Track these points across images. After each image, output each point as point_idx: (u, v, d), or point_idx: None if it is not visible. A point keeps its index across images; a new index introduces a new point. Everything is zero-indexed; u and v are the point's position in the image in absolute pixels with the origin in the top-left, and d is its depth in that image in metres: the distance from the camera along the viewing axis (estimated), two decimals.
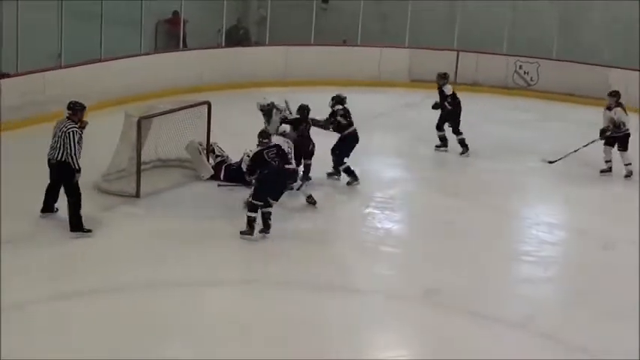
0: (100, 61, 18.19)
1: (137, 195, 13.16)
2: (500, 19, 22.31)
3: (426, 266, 11.73)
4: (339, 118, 14.42)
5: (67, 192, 11.74)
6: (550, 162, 16.09)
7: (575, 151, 15.88)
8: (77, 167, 11.61)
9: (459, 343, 9.76)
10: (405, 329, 10.32)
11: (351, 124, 14.53)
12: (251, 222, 12.00)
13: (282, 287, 10.82)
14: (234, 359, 9.03)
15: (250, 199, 12.15)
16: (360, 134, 15.67)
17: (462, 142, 16.50)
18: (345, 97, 14.65)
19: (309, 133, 14.21)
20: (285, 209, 13.19)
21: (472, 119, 19.07)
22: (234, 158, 14.18)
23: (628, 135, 15.49)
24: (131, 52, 19.01)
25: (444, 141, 16.65)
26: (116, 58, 18.41)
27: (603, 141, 15.62)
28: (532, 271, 12.12)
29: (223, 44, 21.37)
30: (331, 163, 14.56)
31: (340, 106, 14.51)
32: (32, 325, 9.40)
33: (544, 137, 16.54)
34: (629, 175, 15.54)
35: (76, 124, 11.69)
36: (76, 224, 11.69)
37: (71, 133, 11.54)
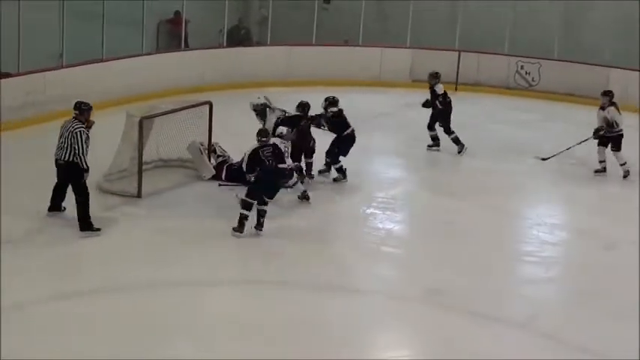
0: (101, 61, 18.19)
1: (139, 195, 13.16)
2: (501, 19, 22.30)
3: (427, 266, 11.72)
4: (334, 118, 14.41)
5: (75, 192, 11.78)
6: (543, 159, 16.14)
7: (567, 149, 15.95)
8: (86, 167, 11.66)
9: (460, 343, 9.75)
10: (406, 329, 10.31)
11: (348, 125, 14.53)
12: (242, 219, 12.05)
13: (283, 287, 10.81)
14: (234, 359, 9.02)
15: (244, 197, 12.18)
16: (361, 134, 15.67)
17: (456, 140, 16.50)
18: (338, 100, 14.62)
19: (309, 129, 14.24)
20: (286, 209, 13.23)
21: (473, 119, 19.13)
22: (235, 158, 14.17)
23: (621, 135, 15.49)
24: (133, 52, 19.02)
25: (436, 140, 16.66)
26: (118, 58, 18.42)
27: (597, 141, 15.61)
28: (533, 272, 12.11)
29: (225, 44, 21.38)
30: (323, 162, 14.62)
31: (335, 108, 14.50)
32: (32, 325, 9.40)
33: (545, 137, 16.53)
34: (626, 174, 15.55)
35: (83, 124, 11.74)
36: (86, 223, 11.75)
37: (78, 133, 11.58)
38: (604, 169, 15.65)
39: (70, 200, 11.99)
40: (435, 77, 16.47)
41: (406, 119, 18.46)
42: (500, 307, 10.67)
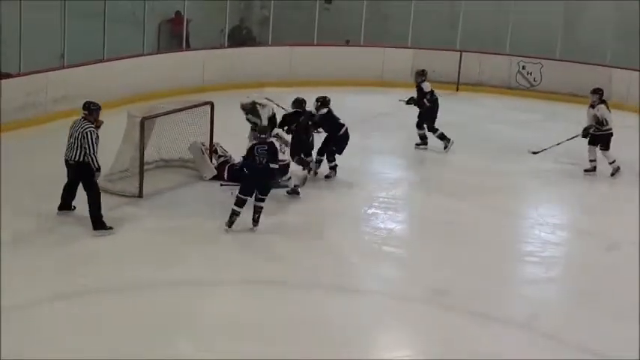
0: (102, 61, 18.20)
1: (140, 195, 13.17)
2: (503, 19, 22.29)
3: (428, 266, 11.72)
4: (326, 119, 14.46)
5: (87, 191, 11.85)
6: (534, 152, 16.14)
7: (558, 144, 15.97)
8: (97, 166, 11.74)
9: (461, 343, 9.76)
10: (408, 330, 10.30)
11: (342, 124, 14.56)
12: (231, 215, 12.20)
13: (283, 287, 10.81)
14: (234, 359, 9.02)
15: (238, 194, 12.28)
16: (362, 134, 15.79)
17: (442, 136, 16.51)
18: (330, 100, 14.65)
19: (308, 125, 14.27)
20: (287, 209, 13.26)
21: (475, 120, 19.15)
22: (237, 158, 14.17)
23: (610, 134, 15.51)
24: (134, 52, 19.03)
25: (424, 139, 16.68)
26: (119, 58, 18.43)
27: (587, 140, 15.60)
28: (534, 272, 12.12)
29: (226, 44, 21.38)
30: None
31: (325, 109, 14.51)
32: (32, 325, 9.40)
33: (547, 137, 16.49)
34: (614, 172, 15.57)
35: (92, 123, 11.79)
36: (99, 222, 11.81)
37: (88, 133, 11.64)
38: (594, 169, 15.67)
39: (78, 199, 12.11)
40: (421, 75, 16.50)
41: (407, 119, 18.37)
42: (500, 307, 10.68)
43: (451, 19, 22.61)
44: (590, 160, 15.64)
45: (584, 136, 15.60)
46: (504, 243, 12.89)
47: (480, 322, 10.25)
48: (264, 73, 20.41)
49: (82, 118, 11.85)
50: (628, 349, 9.75)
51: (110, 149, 13.51)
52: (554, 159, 16.18)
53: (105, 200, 12.40)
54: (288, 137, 14.03)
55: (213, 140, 14.49)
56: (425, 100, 16.35)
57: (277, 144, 12.64)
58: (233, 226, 12.22)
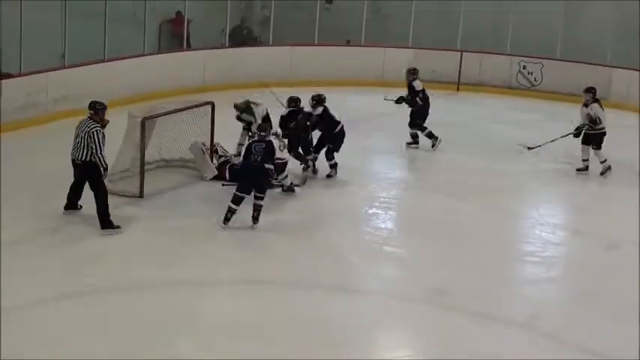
0: (103, 61, 18.21)
1: (141, 195, 13.17)
2: (503, 19, 22.29)
3: (429, 267, 11.72)
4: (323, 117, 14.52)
5: (94, 191, 11.90)
6: (529, 148, 16.13)
7: (552, 140, 15.98)
8: (105, 165, 11.81)
9: (461, 343, 9.76)
10: (408, 330, 10.31)
11: (338, 121, 14.59)
12: (227, 212, 12.29)
13: (283, 287, 10.81)
14: (234, 359, 9.03)
15: (235, 191, 12.38)
16: (363, 134, 15.79)
17: (430, 135, 16.54)
18: (325, 97, 14.67)
19: (306, 123, 14.29)
20: (287, 209, 13.26)
21: (475, 120, 19.14)
22: (237, 158, 14.20)
23: (603, 134, 15.51)
24: (135, 52, 19.03)
25: (415, 138, 16.67)
26: (120, 59, 18.43)
27: (581, 139, 15.62)
28: (534, 272, 12.12)
29: (227, 44, 21.39)
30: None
31: (321, 108, 14.53)
32: (32, 325, 9.40)
33: (548, 137, 16.48)
34: (605, 171, 15.58)
35: (98, 123, 11.83)
36: (106, 222, 11.86)
37: (95, 132, 11.69)
38: (586, 168, 15.69)
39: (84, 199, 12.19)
40: (412, 73, 16.50)
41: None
42: (500, 307, 10.69)
43: (452, 19, 22.56)
44: (583, 160, 15.66)
45: (576, 135, 15.63)
46: (505, 243, 12.89)
47: (480, 322, 10.25)
48: (265, 73, 20.39)
49: (88, 117, 11.91)
50: (628, 349, 9.75)
51: (111, 149, 13.45)
52: (554, 159, 16.18)
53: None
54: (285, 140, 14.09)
55: (214, 140, 14.49)
56: (417, 99, 16.35)
57: (276, 143, 12.69)
58: (230, 224, 12.28)
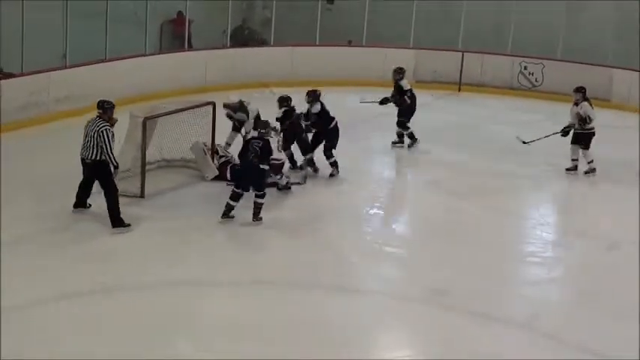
0: (105, 61, 18.23)
1: (141, 195, 13.18)
2: (504, 19, 22.30)
3: (428, 267, 11.72)
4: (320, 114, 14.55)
5: (104, 189, 12.00)
6: (524, 142, 16.13)
7: (546, 136, 15.98)
8: (115, 164, 11.89)
9: (461, 343, 9.75)
10: (408, 330, 10.30)
11: (332, 117, 14.62)
12: (226, 208, 12.39)
13: (283, 287, 10.81)
14: (234, 359, 9.04)
15: (233, 188, 12.52)
16: (364, 134, 15.78)
17: (411, 135, 16.56)
18: (321, 93, 14.72)
19: (299, 122, 14.31)
20: (288, 209, 13.26)
21: (476, 120, 19.14)
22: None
23: (592, 134, 15.54)
24: (136, 52, 19.05)
25: (401, 137, 16.69)
26: (121, 59, 18.46)
27: (571, 138, 15.67)
28: (535, 272, 12.14)
29: (228, 45, 21.40)
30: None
31: (319, 105, 14.55)
32: (32, 325, 9.40)
33: (550, 138, 16.46)
34: (589, 172, 15.60)
35: (107, 122, 11.88)
36: (117, 220, 11.93)
37: (104, 131, 11.75)
38: (575, 167, 15.71)
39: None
40: (399, 73, 16.52)
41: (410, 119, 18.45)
42: (500, 307, 10.68)
43: (453, 20, 22.56)
44: (572, 159, 15.68)
45: (564, 134, 15.66)
46: (505, 243, 12.89)
47: (480, 322, 10.24)
48: (266, 73, 20.43)
49: (97, 116, 11.97)
50: (628, 349, 9.74)
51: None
52: (555, 160, 16.17)
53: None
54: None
55: (215, 141, 14.50)
56: (406, 97, 16.36)
57: (275, 140, 12.74)
58: (231, 222, 12.37)
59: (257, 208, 12.46)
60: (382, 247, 12.37)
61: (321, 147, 14.68)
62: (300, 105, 14.72)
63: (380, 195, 14.34)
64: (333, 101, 15.26)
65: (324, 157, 14.69)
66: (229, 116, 14.62)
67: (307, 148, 14.51)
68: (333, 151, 14.63)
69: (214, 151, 14.41)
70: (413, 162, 16.43)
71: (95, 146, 11.76)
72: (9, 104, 15.75)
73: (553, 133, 15.90)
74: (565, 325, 10.29)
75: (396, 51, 22.07)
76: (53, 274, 10.62)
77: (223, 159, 14.39)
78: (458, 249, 12.27)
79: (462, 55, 22.13)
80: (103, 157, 11.77)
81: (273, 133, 13.08)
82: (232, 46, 21.47)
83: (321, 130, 14.57)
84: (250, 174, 12.43)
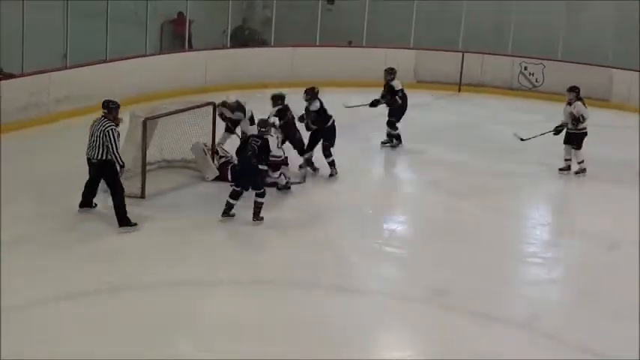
0: (105, 61, 18.23)
1: (142, 196, 13.18)
2: (504, 19, 22.30)
3: (429, 267, 11.72)
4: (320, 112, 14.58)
5: (110, 189, 12.05)
6: (522, 139, 16.14)
7: (542, 134, 15.93)
8: (122, 163, 11.94)
9: (461, 343, 9.76)
10: (408, 330, 10.31)
11: (330, 115, 14.65)
12: (226, 206, 12.46)
13: (283, 287, 10.82)
14: (234, 359, 9.04)
15: (233, 186, 12.59)
16: (364, 134, 15.79)
17: (397, 136, 16.56)
18: (319, 90, 14.76)
19: (294, 121, 14.33)
20: (287, 208, 13.28)
21: (476, 120, 19.14)
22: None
23: (584, 134, 15.54)
24: (136, 52, 19.06)
25: (390, 137, 16.67)
26: (122, 59, 18.46)
27: (563, 137, 15.67)
28: (535, 272, 12.14)
29: (228, 45, 21.41)
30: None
31: (317, 102, 14.57)
32: (32, 325, 9.41)
33: (549, 138, 16.47)
34: (580, 172, 15.61)
35: (112, 122, 11.91)
36: (124, 219, 11.99)
37: (110, 131, 11.79)
38: (568, 167, 15.71)
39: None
40: (390, 73, 16.54)
41: (410, 120, 18.43)
42: (501, 307, 10.69)
43: (454, 20, 22.55)
44: (565, 159, 15.68)
45: (556, 133, 15.68)
46: (505, 243, 12.89)
47: (480, 322, 10.25)
48: (267, 73, 20.44)
49: (102, 116, 11.99)
50: (628, 349, 9.75)
51: None
52: (556, 160, 16.17)
53: (107, 200, 12.47)
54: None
55: (216, 141, 14.51)
56: (397, 98, 16.37)
57: (275, 136, 12.79)
58: (231, 222, 12.43)
59: (257, 208, 12.48)
60: (382, 247, 12.38)
61: (319, 146, 14.68)
62: (301, 105, 14.71)
63: (380, 195, 14.35)
64: (334, 102, 15.27)
65: (323, 157, 14.69)
66: (222, 116, 14.56)
67: (302, 148, 14.50)
68: (332, 149, 14.64)
69: (214, 152, 14.42)
70: (413, 162, 16.42)
71: (101, 146, 11.80)
72: (9, 105, 15.75)
73: (546, 132, 15.88)
74: (565, 325, 10.30)
75: (396, 51, 22.06)
76: (53, 274, 10.62)
77: (223, 159, 14.39)
78: (458, 249, 12.27)
79: (462, 55, 22.14)
80: (109, 157, 11.82)
81: (273, 130, 13.11)
82: (233, 46, 21.48)
83: (321, 128, 14.58)
84: (248, 173, 12.47)
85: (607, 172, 15.77)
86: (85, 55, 17.78)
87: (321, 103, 14.59)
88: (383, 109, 16.67)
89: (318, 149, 14.68)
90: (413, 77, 21.97)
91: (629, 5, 21.39)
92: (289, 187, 13.81)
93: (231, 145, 14.52)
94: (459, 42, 22.32)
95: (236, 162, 13.46)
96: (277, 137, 13.30)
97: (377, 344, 9.98)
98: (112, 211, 12.14)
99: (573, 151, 15.59)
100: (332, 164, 14.65)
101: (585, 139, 15.55)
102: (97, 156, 11.84)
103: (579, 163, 15.62)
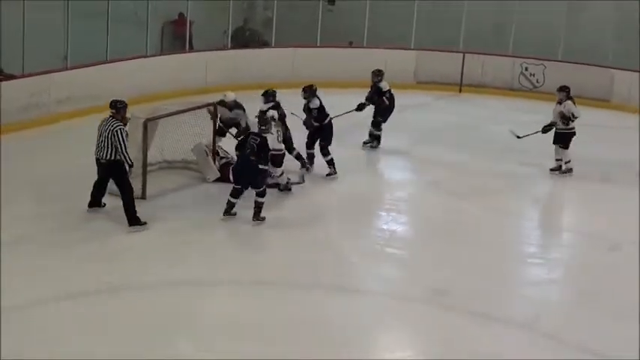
0: (106, 62, 18.23)
1: (143, 196, 13.18)
2: (505, 19, 22.30)
3: (430, 267, 11.73)
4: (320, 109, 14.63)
5: (120, 188, 12.10)
6: (518, 137, 16.13)
7: (536, 132, 15.89)
8: (131, 162, 12.01)
9: (462, 343, 9.77)
10: (409, 330, 10.32)
11: (327, 114, 14.71)
12: (227, 205, 12.52)
13: (283, 287, 10.83)
14: (234, 359, 9.05)
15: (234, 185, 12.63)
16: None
17: (378, 138, 16.53)
18: (317, 88, 14.81)
19: (284, 118, 14.34)
20: (287, 209, 13.29)
21: (477, 121, 19.14)
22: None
23: (573, 134, 15.54)
24: (137, 53, 19.06)
25: (372, 137, 16.63)
26: (122, 60, 18.46)
27: (553, 137, 15.67)
28: (536, 273, 12.15)
29: (229, 45, 21.42)
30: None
31: (317, 100, 14.61)
32: (32, 325, 9.43)
33: (549, 138, 16.47)
34: (566, 171, 15.61)
35: (120, 121, 11.96)
36: (134, 218, 12.04)
37: (118, 131, 11.84)
38: (559, 167, 15.72)
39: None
40: (378, 75, 16.52)
41: (411, 121, 18.47)
42: (501, 307, 10.69)
43: (454, 21, 22.53)
44: (556, 159, 15.69)
45: (544, 132, 15.69)
46: (505, 243, 12.90)
47: (480, 322, 10.26)
48: (267, 74, 20.39)
49: (110, 116, 12.03)
50: (628, 349, 9.76)
51: None
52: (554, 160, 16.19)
53: (107, 201, 12.50)
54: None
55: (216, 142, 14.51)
56: (385, 99, 16.36)
57: (275, 132, 12.81)
58: (232, 222, 12.46)
59: (257, 208, 12.49)
60: (382, 247, 12.38)
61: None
62: (301, 104, 14.75)
63: (380, 195, 14.33)
64: (335, 102, 15.28)
65: (321, 155, 14.71)
66: (215, 117, 14.54)
67: (291, 146, 14.47)
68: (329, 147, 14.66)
69: (215, 153, 14.42)
70: (414, 162, 16.41)
71: (110, 146, 11.84)
72: (10, 105, 15.74)
73: (538, 131, 15.88)
74: (565, 325, 10.31)
75: (397, 52, 22.06)
76: (53, 274, 10.63)
77: (224, 160, 14.39)
78: (458, 249, 12.27)
79: (463, 56, 22.12)
80: (118, 157, 11.87)
81: (273, 123, 13.11)
82: (233, 47, 21.48)
83: (322, 126, 14.59)
84: (247, 171, 12.47)
85: (607, 172, 15.79)
86: (86, 55, 17.78)
87: (320, 100, 14.61)
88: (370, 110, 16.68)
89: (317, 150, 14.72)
90: (413, 78, 21.99)
91: (629, 5, 21.38)
92: (290, 189, 13.81)
93: (231, 146, 14.55)
94: (459, 42, 22.30)
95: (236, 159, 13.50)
96: (277, 131, 13.30)
97: (377, 344, 9.99)
98: (115, 212, 12.19)
99: (560, 150, 15.58)
100: (330, 163, 14.65)
101: (574, 139, 15.56)
102: (106, 156, 11.88)
103: (566, 162, 15.63)
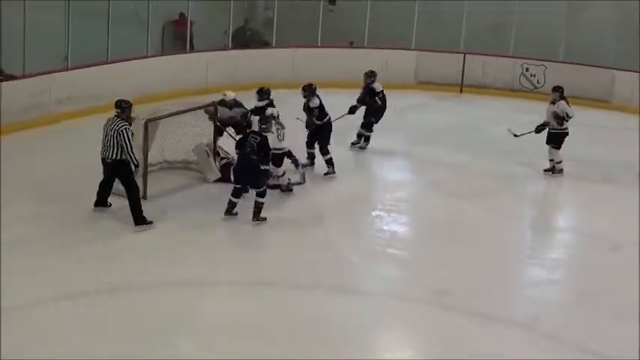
0: (106, 62, 18.23)
1: (144, 197, 13.16)
2: (506, 19, 22.29)
3: (430, 267, 11.74)
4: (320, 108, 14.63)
5: (126, 187, 12.12)
6: (516, 135, 16.13)
7: (529, 132, 15.91)
8: (136, 162, 12.06)
9: (462, 343, 9.78)
10: (409, 330, 10.33)
11: (326, 113, 14.75)
12: (228, 205, 12.54)
13: (283, 287, 10.84)
14: (234, 359, 9.05)
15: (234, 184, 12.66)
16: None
17: (367, 138, 16.48)
18: (316, 87, 14.82)
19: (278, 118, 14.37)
20: (287, 209, 13.29)
21: (478, 122, 19.13)
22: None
23: (565, 134, 15.54)
24: (138, 53, 19.05)
25: (360, 137, 16.59)
26: (123, 60, 18.45)
27: (546, 137, 15.68)
28: (536, 273, 12.15)
29: (230, 46, 21.41)
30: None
31: (317, 99, 14.62)
32: (32, 325, 9.44)
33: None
34: (557, 172, 15.61)
35: (125, 121, 12.00)
36: (139, 218, 12.08)
37: (124, 131, 11.88)
38: (553, 168, 15.70)
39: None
40: (370, 76, 16.51)
41: (411, 121, 18.48)
42: (501, 307, 10.69)
43: (455, 21, 22.52)
44: (550, 160, 15.67)
45: (537, 131, 15.70)
46: (506, 244, 12.89)
47: (480, 322, 10.28)
48: (268, 74, 20.37)
49: (115, 116, 12.08)
50: (628, 349, 9.77)
51: None
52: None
53: (114, 201, 12.49)
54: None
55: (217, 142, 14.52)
56: (377, 99, 16.35)
57: (275, 129, 12.83)
58: (232, 222, 12.48)
59: (257, 208, 12.50)
60: (382, 248, 12.38)
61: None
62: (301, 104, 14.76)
63: (380, 195, 14.34)
64: (335, 102, 15.28)
65: (320, 155, 14.71)
66: (215, 117, 14.55)
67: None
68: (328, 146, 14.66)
69: (216, 153, 14.42)
70: (414, 163, 16.41)
71: (115, 145, 11.88)
72: (11, 106, 15.73)
73: (532, 131, 15.88)
74: (565, 325, 10.33)
75: (397, 52, 22.05)
76: (53, 274, 10.65)
77: (224, 160, 14.39)
78: (458, 249, 12.28)
79: (464, 56, 22.11)
80: (124, 157, 11.91)
81: (274, 122, 13.11)
82: (234, 47, 21.46)
83: (322, 124, 14.59)
84: (247, 170, 12.48)
85: (607, 173, 15.77)
86: (87, 55, 17.77)
87: (320, 100, 14.62)
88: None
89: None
90: (414, 78, 21.99)
91: (630, 5, 21.37)
92: (291, 190, 13.81)
93: (231, 146, 14.55)
94: (460, 43, 22.28)
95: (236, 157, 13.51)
96: (278, 129, 13.29)
97: (377, 344, 10.00)
98: (121, 212, 12.21)
99: (552, 149, 15.58)
100: (329, 162, 14.65)
101: (569, 140, 15.54)
102: (112, 156, 11.92)
103: (557, 163, 15.62)
